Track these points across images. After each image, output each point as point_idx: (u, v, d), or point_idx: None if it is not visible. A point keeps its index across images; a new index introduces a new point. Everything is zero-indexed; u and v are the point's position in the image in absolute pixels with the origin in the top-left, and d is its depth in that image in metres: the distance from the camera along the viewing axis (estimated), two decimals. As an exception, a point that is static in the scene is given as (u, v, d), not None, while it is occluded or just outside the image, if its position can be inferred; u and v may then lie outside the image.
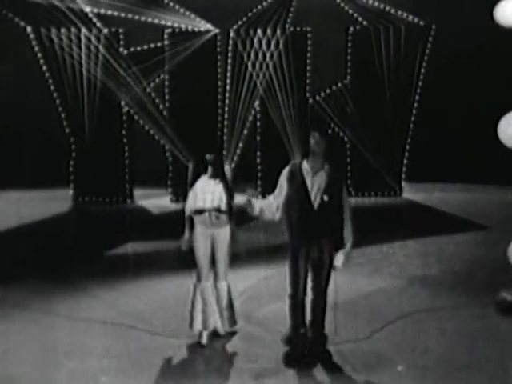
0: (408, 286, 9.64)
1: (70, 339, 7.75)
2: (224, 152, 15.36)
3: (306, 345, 7.26)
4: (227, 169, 7.80)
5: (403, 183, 16.22)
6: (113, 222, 14.29)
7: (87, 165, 15.48)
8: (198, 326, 7.64)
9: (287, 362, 7.18)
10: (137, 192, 15.78)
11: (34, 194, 16.00)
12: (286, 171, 7.26)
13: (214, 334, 7.75)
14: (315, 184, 7.11)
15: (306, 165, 7.19)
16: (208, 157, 7.65)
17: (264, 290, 9.46)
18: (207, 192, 7.60)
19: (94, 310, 8.63)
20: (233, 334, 7.86)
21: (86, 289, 9.49)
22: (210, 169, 7.65)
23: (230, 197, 7.68)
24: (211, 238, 7.65)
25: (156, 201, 15.50)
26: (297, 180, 7.15)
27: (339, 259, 7.11)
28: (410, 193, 16.13)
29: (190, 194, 7.68)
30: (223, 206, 7.62)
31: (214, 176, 7.65)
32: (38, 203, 15.24)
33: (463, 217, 13.88)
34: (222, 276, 7.71)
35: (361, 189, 16.16)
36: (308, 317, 7.33)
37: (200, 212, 7.60)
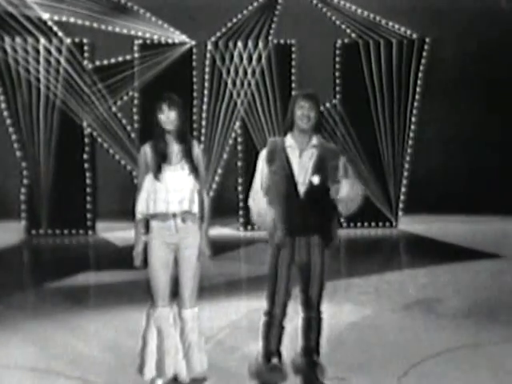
0: (429, 320, 7.34)
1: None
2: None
3: (278, 380, 5.32)
4: (198, 153, 5.54)
5: (400, 214, 14.16)
6: (70, 255, 11.95)
7: (42, 193, 13.23)
8: (150, 371, 5.32)
9: None
10: (100, 225, 13.51)
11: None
12: (264, 153, 5.37)
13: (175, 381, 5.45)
14: (302, 164, 5.21)
15: (290, 140, 5.28)
16: (173, 140, 5.45)
17: (247, 326, 7.17)
18: (172, 189, 5.36)
19: (20, 354, 6.30)
20: (201, 381, 5.53)
21: (15, 327, 7.19)
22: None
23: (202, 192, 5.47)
24: (174, 250, 5.42)
25: (122, 233, 13.09)
26: (279, 161, 5.24)
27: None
28: (406, 224, 13.93)
29: (146, 191, 5.43)
30: (194, 208, 5.38)
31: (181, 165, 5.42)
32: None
33: (472, 247, 11.58)
34: (188, 302, 5.43)
35: (353, 219, 13.94)
36: (300, 342, 5.41)
37: (162, 217, 5.35)
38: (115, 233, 13.12)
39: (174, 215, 5.35)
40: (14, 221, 13.36)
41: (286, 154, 5.23)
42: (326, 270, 5.26)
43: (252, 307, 7.73)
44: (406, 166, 14.09)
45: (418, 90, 14.05)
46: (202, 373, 5.51)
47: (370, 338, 6.73)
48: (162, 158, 5.39)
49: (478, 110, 15.57)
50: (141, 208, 5.43)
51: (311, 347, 5.35)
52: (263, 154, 5.34)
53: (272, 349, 5.32)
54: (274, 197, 5.22)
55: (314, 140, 5.28)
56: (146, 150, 5.47)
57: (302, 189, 5.18)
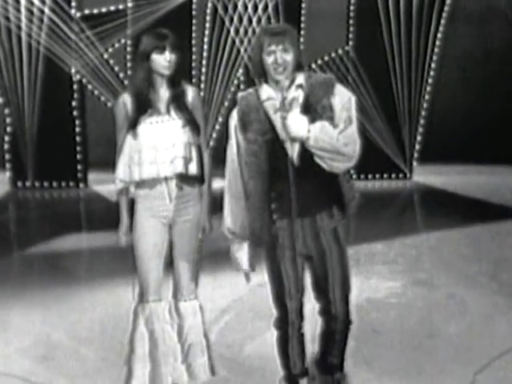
0: (483, 300, 5.81)
1: None
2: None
3: None
4: (194, 99, 4.06)
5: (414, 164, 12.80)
6: (58, 212, 10.55)
7: (28, 142, 11.95)
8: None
9: None
10: (92, 176, 12.14)
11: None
12: (234, 115, 3.78)
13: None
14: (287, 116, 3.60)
15: (267, 90, 3.66)
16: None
17: (256, 306, 5.66)
18: (162, 147, 3.94)
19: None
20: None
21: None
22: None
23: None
24: (168, 225, 4.02)
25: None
26: (257, 123, 3.68)
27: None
28: (421, 176, 12.47)
29: (128, 152, 3.99)
30: (192, 169, 3.99)
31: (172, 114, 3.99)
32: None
33: (505, 204, 9.88)
34: (187, 292, 4.05)
35: (361, 170, 12.52)
36: (316, 349, 3.87)
37: (150, 183, 3.94)
38: (109, 186, 11.65)
39: (166, 179, 3.93)
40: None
41: (265, 111, 3.65)
42: (347, 262, 3.72)
43: (262, 278, 6.32)
44: (423, 112, 12.78)
45: (440, 28, 12.72)
46: (208, 381, 4.12)
47: (409, 323, 5.29)
48: (145, 107, 3.96)
49: (504, 50, 14.18)
50: (122, 174, 4.01)
51: (332, 364, 3.82)
52: (234, 118, 3.77)
53: (297, 370, 3.83)
54: (256, 171, 3.69)
55: (299, 78, 3.65)
56: (125, 100, 4.04)
57: (293, 153, 3.62)
